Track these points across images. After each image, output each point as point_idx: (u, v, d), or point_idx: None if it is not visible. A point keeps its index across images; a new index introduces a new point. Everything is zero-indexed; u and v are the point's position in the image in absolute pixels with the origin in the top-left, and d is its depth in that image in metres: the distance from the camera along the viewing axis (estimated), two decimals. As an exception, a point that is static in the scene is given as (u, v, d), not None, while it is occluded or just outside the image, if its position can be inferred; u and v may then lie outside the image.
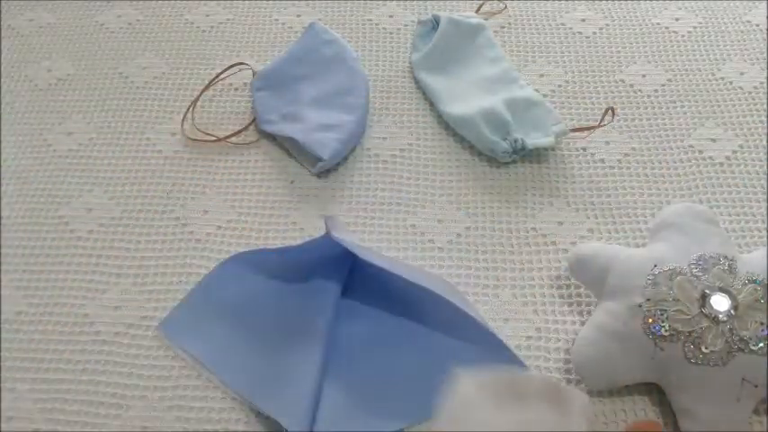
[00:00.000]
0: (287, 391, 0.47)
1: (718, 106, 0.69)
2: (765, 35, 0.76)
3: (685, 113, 0.69)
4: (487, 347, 0.49)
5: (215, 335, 0.52)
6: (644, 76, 0.72)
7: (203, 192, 0.64)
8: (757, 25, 0.77)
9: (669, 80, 0.72)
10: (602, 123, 0.65)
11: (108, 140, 0.68)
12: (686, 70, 0.73)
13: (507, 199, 0.62)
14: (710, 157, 0.65)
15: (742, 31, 0.77)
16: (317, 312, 0.51)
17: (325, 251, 0.53)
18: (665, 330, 0.47)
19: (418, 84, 0.72)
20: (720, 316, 0.47)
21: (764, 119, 0.68)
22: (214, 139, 0.67)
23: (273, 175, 0.65)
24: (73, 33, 0.79)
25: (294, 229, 0.61)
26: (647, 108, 0.70)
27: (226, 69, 0.72)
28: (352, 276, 0.55)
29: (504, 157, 0.63)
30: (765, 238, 0.59)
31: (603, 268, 0.51)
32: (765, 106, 0.69)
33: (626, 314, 0.48)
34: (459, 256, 0.59)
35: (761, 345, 0.46)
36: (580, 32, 0.77)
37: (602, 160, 0.65)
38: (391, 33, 0.77)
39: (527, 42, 0.76)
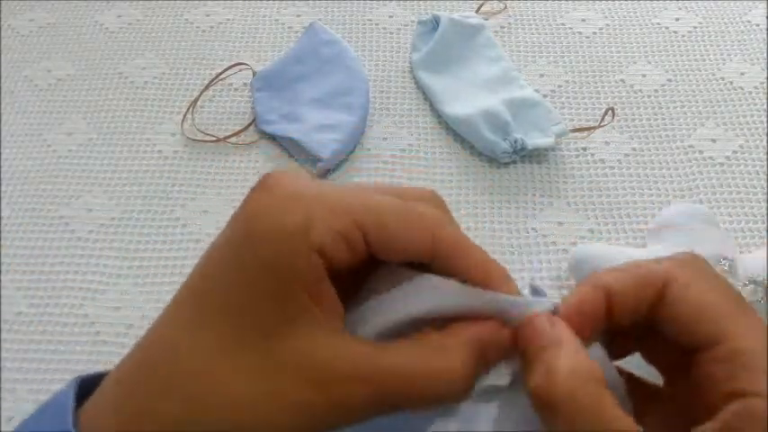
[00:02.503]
0: None
1: (719, 106, 0.69)
2: (765, 35, 0.76)
3: (685, 113, 0.69)
4: None
5: None
6: (644, 76, 0.72)
7: (203, 192, 0.64)
8: (757, 25, 0.77)
9: (669, 80, 0.72)
10: (602, 123, 0.65)
11: (108, 140, 0.68)
12: (686, 70, 0.73)
13: (507, 199, 0.62)
14: (710, 157, 0.65)
15: (742, 31, 0.77)
16: None
17: None
18: (666, 331, 0.47)
19: (418, 84, 0.72)
20: (720, 316, 0.47)
21: (764, 119, 0.68)
22: (214, 139, 0.67)
23: (273, 175, 0.65)
24: (73, 33, 0.79)
25: (294, 229, 0.61)
26: (647, 108, 0.69)
27: (226, 69, 0.72)
28: None
29: (504, 157, 0.63)
30: (765, 238, 0.59)
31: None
32: (765, 106, 0.69)
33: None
34: (459, 256, 0.59)
35: (761, 345, 0.46)
36: (580, 32, 0.77)
37: (602, 160, 0.65)
38: (391, 33, 0.77)
39: (527, 42, 0.76)
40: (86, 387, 0.25)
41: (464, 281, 0.24)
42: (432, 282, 0.24)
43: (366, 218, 0.23)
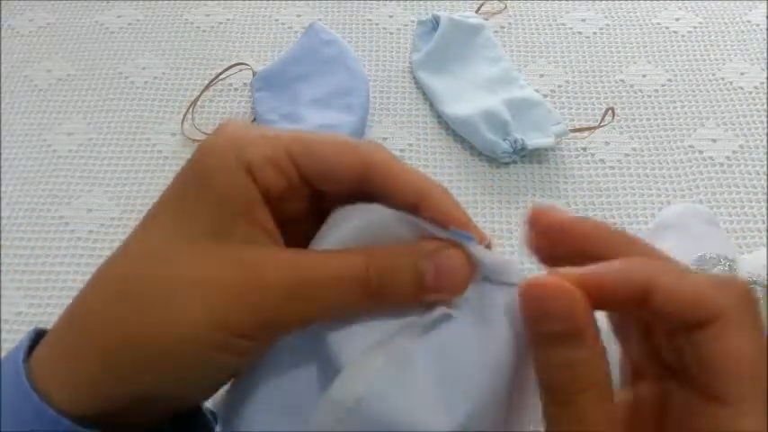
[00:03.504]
0: None
1: (719, 106, 0.69)
2: (765, 35, 0.76)
3: (685, 113, 0.69)
4: None
5: None
6: (644, 76, 0.72)
7: (203, 192, 0.64)
8: (757, 25, 0.77)
9: (669, 80, 0.72)
10: (602, 123, 0.65)
11: (108, 140, 0.68)
12: (686, 70, 0.73)
13: (507, 199, 0.62)
14: (710, 158, 0.65)
15: (742, 31, 0.77)
16: None
17: None
18: (666, 331, 0.47)
19: (418, 84, 0.72)
20: (720, 316, 0.47)
21: (764, 119, 0.68)
22: (214, 139, 0.67)
23: (273, 175, 0.65)
24: (73, 33, 0.79)
25: (294, 229, 0.61)
26: (647, 108, 0.69)
27: (226, 69, 0.72)
28: None
29: (504, 157, 0.63)
30: (765, 239, 0.59)
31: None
32: (765, 106, 0.69)
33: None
34: (459, 256, 0.59)
35: (761, 345, 0.46)
36: (580, 32, 0.77)
37: (603, 160, 0.65)
38: (391, 33, 0.77)
39: (527, 42, 0.76)
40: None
41: (402, 208, 0.23)
42: (371, 209, 0.23)
43: (295, 145, 0.24)
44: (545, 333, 0.21)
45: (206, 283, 0.22)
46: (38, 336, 0.25)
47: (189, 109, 0.69)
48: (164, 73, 0.74)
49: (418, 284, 0.22)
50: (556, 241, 0.23)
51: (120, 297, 0.23)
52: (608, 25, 0.78)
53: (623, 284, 0.22)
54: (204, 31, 0.78)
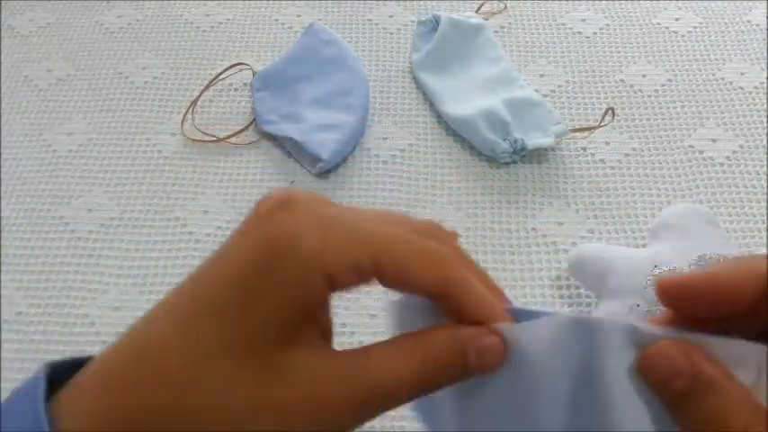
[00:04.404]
0: None
1: (719, 106, 0.69)
2: (765, 35, 0.76)
3: (685, 113, 0.69)
4: None
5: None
6: (644, 76, 0.72)
7: (203, 192, 0.64)
8: (757, 25, 0.77)
9: (669, 80, 0.72)
10: (602, 123, 0.65)
11: (108, 140, 0.68)
12: (686, 70, 0.73)
13: (507, 199, 0.62)
14: (711, 158, 0.65)
15: (742, 31, 0.77)
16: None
17: None
18: (665, 331, 0.47)
19: (418, 84, 0.72)
20: (720, 316, 0.47)
21: (764, 119, 0.68)
22: (214, 139, 0.67)
23: (273, 175, 0.65)
24: (73, 33, 0.79)
25: (294, 229, 0.61)
26: (647, 108, 0.69)
27: (226, 69, 0.72)
28: None
29: (504, 157, 0.63)
30: (765, 239, 0.59)
31: (604, 269, 0.51)
32: (765, 106, 0.69)
33: (626, 315, 0.48)
34: (459, 256, 0.59)
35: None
36: (580, 32, 0.77)
37: (603, 160, 0.65)
38: (391, 33, 0.77)
39: (527, 42, 0.76)
40: (59, 373, 0.24)
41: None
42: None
43: (381, 252, 0.23)
44: (675, 392, 0.22)
45: (264, 405, 0.22)
46: (49, 374, 0.24)
47: (189, 109, 0.69)
48: (164, 73, 0.74)
49: (464, 368, 0.24)
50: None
51: (170, 411, 0.22)
52: (608, 25, 0.78)
53: (743, 281, 0.22)
54: (204, 31, 0.78)
